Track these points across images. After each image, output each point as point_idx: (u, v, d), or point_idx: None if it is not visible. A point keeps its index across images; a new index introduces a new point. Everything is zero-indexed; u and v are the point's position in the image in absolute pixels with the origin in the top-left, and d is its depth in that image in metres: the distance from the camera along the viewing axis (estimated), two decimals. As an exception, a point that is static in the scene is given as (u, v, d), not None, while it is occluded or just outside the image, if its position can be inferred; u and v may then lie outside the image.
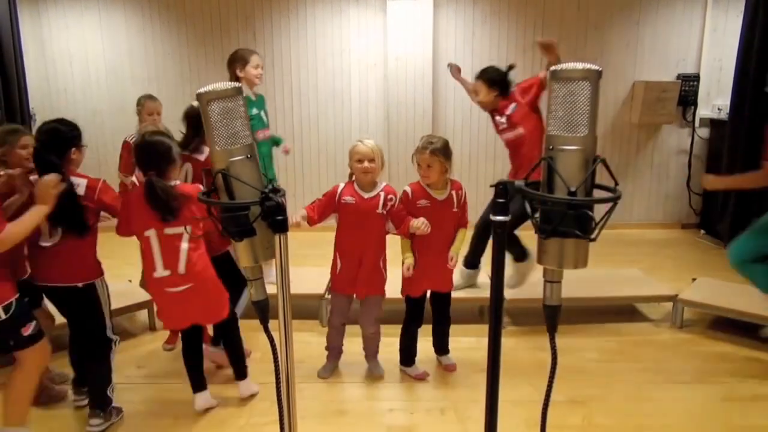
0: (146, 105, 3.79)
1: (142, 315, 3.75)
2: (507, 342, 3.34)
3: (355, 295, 2.94)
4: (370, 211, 2.82)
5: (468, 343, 2.97)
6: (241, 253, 1.37)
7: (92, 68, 5.75)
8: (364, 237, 2.85)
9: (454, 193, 2.89)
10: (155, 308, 3.34)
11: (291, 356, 1.48)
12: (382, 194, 2.84)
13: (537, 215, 1.19)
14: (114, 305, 3.43)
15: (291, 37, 5.72)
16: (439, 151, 2.77)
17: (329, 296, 3.03)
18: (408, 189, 2.90)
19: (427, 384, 3.02)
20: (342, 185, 2.88)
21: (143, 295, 3.54)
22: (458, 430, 2.64)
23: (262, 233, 1.36)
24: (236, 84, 1.31)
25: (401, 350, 3.08)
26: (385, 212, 2.84)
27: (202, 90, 1.29)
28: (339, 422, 2.70)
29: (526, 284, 3.73)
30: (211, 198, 1.37)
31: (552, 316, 1.25)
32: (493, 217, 1.17)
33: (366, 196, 2.83)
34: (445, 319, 3.10)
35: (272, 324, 1.49)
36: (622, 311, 3.80)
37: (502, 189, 1.16)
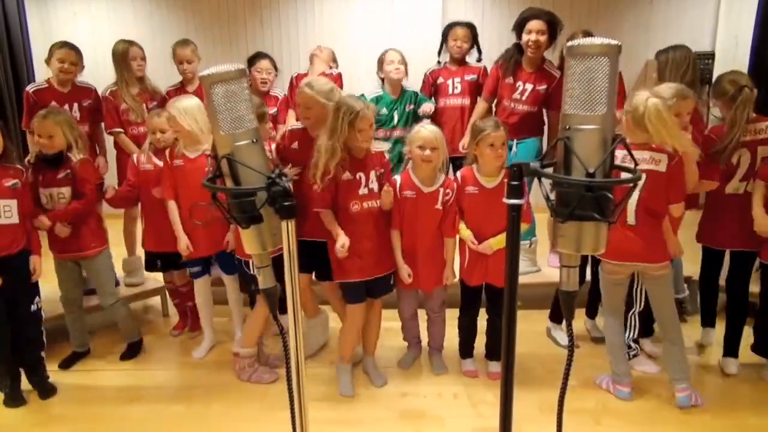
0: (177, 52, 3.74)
1: (155, 301, 3.78)
2: (520, 326, 3.30)
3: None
4: (428, 207, 2.69)
5: (481, 327, 2.94)
6: (248, 240, 1.35)
7: (100, 56, 5.71)
8: (418, 233, 2.72)
9: (506, 181, 2.69)
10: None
11: (301, 342, 1.46)
12: (441, 189, 2.70)
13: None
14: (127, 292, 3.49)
15: (299, 23, 5.66)
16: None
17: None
18: (458, 174, 2.74)
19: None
20: (399, 178, 2.72)
21: (157, 281, 3.60)
22: (471, 413, 2.63)
23: (270, 219, 1.33)
24: (240, 66, 1.28)
25: (459, 342, 2.99)
26: (442, 209, 2.71)
27: (205, 72, 1.25)
28: (351, 407, 2.70)
29: (541, 268, 3.69)
30: (217, 184, 1.34)
31: (569, 302, 1.21)
32: (507, 200, 1.14)
33: (426, 190, 2.68)
34: (498, 318, 2.82)
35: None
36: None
37: (516, 171, 1.12)
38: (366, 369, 2.95)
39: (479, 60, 3.75)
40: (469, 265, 2.79)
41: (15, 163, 2.69)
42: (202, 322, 3.23)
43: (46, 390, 2.82)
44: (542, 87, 3.44)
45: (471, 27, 3.65)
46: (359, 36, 5.58)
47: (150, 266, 3.26)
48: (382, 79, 3.67)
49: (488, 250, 2.69)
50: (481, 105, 3.63)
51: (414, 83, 3.81)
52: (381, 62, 3.63)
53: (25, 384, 2.80)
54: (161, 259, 3.18)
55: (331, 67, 3.81)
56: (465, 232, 2.74)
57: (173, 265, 3.21)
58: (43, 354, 2.85)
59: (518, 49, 3.46)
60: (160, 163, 3.00)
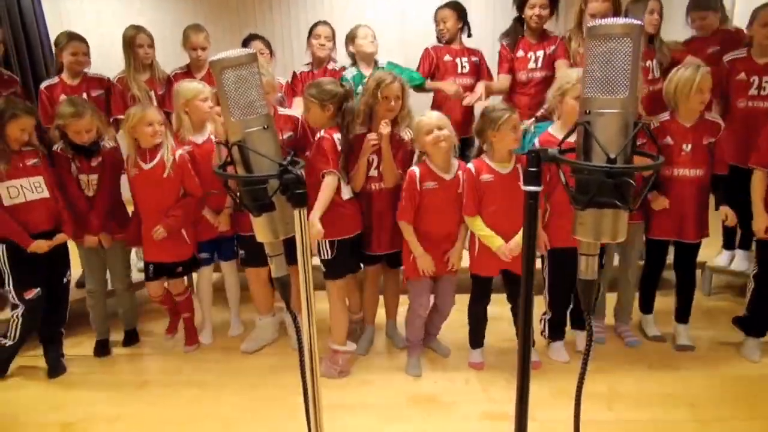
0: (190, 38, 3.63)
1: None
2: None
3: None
4: (451, 192, 2.66)
5: (491, 312, 2.93)
6: (260, 228, 1.33)
7: (107, 42, 5.68)
8: (445, 221, 2.70)
9: (519, 166, 2.63)
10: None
11: (314, 326, 1.45)
12: (460, 173, 2.67)
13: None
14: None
15: (307, 9, 5.61)
16: None
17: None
18: (472, 166, 2.64)
19: (451, 354, 3.00)
20: (417, 170, 2.65)
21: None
22: (482, 398, 2.63)
23: (282, 208, 1.31)
24: (251, 51, 1.25)
25: (469, 331, 2.93)
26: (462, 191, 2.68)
27: (214, 57, 1.22)
28: (363, 392, 2.71)
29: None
30: (228, 171, 1.32)
31: (587, 291, 1.19)
32: (524, 187, 1.11)
33: (447, 177, 2.65)
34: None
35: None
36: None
37: (534, 157, 1.09)
38: (389, 332, 3.17)
39: (469, 36, 3.72)
40: (481, 256, 2.71)
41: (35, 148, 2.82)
42: (203, 309, 3.25)
43: (57, 368, 2.91)
44: (551, 49, 3.50)
45: (455, 6, 3.61)
46: (369, 22, 5.51)
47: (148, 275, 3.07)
48: (353, 55, 3.66)
49: (517, 249, 2.58)
50: (503, 80, 3.63)
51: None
52: (352, 38, 3.64)
53: (30, 361, 2.92)
54: (155, 266, 3.03)
55: (334, 61, 3.75)
56: (496, 241, 2.60)
57: (166, 273, 3.07)
58: (62, 330, 2.98)
59: (520, 23, 3.54)
60: (146, 166, 2.88)
